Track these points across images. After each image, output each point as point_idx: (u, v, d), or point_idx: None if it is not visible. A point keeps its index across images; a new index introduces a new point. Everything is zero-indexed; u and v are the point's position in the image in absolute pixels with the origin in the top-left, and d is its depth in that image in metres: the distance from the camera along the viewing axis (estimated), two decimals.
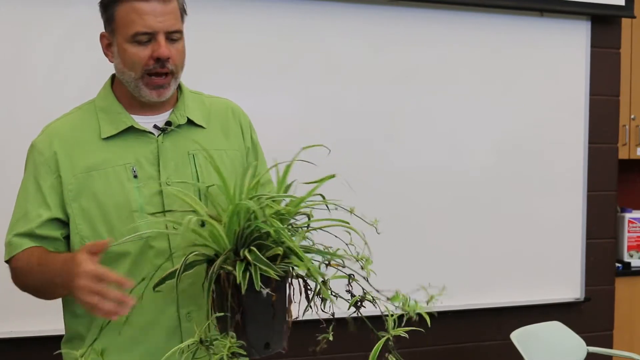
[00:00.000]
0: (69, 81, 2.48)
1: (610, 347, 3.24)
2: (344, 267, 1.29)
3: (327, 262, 1.29)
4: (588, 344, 2.85)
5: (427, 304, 1.24)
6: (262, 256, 1.21)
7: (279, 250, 1.21)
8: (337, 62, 2.84)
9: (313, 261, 1.28)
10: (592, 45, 3.19)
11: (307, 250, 1.28)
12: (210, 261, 1.27)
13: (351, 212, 1.30)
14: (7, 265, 2.19)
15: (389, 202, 2.87)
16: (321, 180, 1.33)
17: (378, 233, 1.30)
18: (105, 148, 1.49)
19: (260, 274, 1.20)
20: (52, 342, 2.36)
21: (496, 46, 3.05)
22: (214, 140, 1.57)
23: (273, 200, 1.27)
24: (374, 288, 1.29)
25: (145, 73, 1.45)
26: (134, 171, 1.48)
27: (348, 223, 1.29)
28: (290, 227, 1.28)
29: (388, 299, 1.26)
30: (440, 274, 2.97)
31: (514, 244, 3.10)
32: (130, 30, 1.43)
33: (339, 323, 1.29)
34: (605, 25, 3.20)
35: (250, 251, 1.21)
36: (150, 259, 1.45)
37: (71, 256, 1.31)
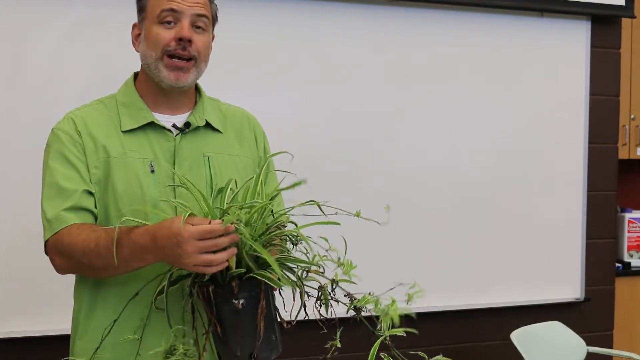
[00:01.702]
0: (69, 81, 2.48)
1: (611, 347, 3.24)
2: (323, 273, 1.29)
3: (306, 271, 1.29)
4: (588, 344, 2.85)
5: (407, 303, 1.23)
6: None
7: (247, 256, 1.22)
8: (337, 62, 2.84)
9: (294, 269, 1.28)
10: (592, 45, 3.18)
11: (283, 260, 1.28)
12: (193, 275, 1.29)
13: (358, 213, 1.30)
14: (6, 263, 2.19)
15: (389, 202, 2.86)
16: (290, 187, 1.32)
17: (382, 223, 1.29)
18: (125, 140, 1.52)
19: (234, 285, 1.22)
20: (52, 342, 2.38)
21: (496, 46, 3.05)
22: (229, 146, 1.61)
23: (241, 208, 1.27)
24: (345, 291, 1.28)
25: (165, 54, 1.49)
26: (152, 166, 1.51)
27: (339, 224, 1.29)
28: (260, 237, 1.27)
29: (355, 305, 1.25)
30: (440, 274, 2.99)
31: (514, 244, 3.10)
32: (157, 10, 1.48)
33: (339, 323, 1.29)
34: (605, 25, 3.20)
35: None
36: None
37: (166, 227, 1.27)
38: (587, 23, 3.17)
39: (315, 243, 1.29)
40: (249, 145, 1.66)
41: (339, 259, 1.27)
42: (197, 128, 1.57)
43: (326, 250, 1.28)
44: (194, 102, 1.61)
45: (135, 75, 1.62)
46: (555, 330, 2.86)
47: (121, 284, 1.46)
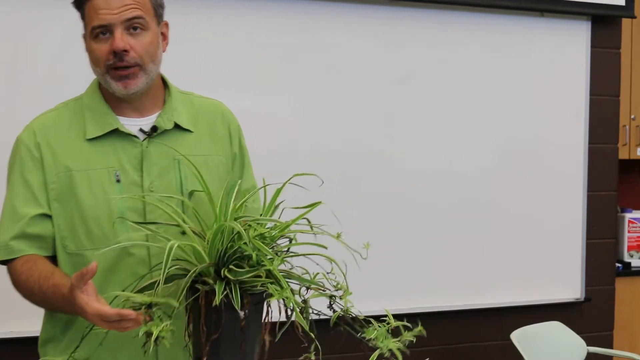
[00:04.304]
0: (69, 81, 2.46)
1: (611, 347, 3.24)
2: (324, 291, 1.28)
3: (307, 287, 1.28)
4: (588, 344, 2.85)
5: (401, 340, 1.24)
6: (243, 276, 1.19)
7: (261, 273, 1.19)
8: (337, 63, 2.84)
9: (292, 285, 1.26)
10: (592, 45, 3.18)
11: (287, 275, 1.26)
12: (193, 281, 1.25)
13: (337, 236, 1.28)
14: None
15: (390, 203, 2.87)
16: (310, 206, 1.30)
17: (364, 258, 1.27)
18: (89, 149, 1.47)
19: (240, 295, 1.19)
20: None
21: (496, 46, 3.05)
22: (200, 145, 1.53)
23: (258, 223, 1.25)
24: (352, 314, 1.27)
25: (108, 68, 1.44)
26: (117, 176, 1.46)
27: (326, 248, 1.27)
28: (272, 250, 1.26)
29: (362, 334, 1.25)
30: (441, 274, 3.00)
31: (514, 244, 3.10)
32: (89, 26, 1.44)
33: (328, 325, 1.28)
34: (605, 25, 3.20)
35: (230, 270, 1.20)
36: (128, 266, 1.43)
37: (69, 298, 1.27)
38: (587, 23, 3.17)
39: (317, 264, 1.28)
40: (221, 142, 1.58)
41: (338, 283, 1.26)
42: (166, 130, 1.50)
43: (327, 273, 1.27)
44: (162, 100, 1.54)
45: None
46: (555, 330, 2.86)
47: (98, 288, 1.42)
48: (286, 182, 1.31)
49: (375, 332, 1.24)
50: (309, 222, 1.30)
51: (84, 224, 1.44)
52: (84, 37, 1.51)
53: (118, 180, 1.45)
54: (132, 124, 1.49)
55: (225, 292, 1.18)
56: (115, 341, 1.40)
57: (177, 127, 1.52)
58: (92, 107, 1.51)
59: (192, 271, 1.21)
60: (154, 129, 1.49)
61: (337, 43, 2.84)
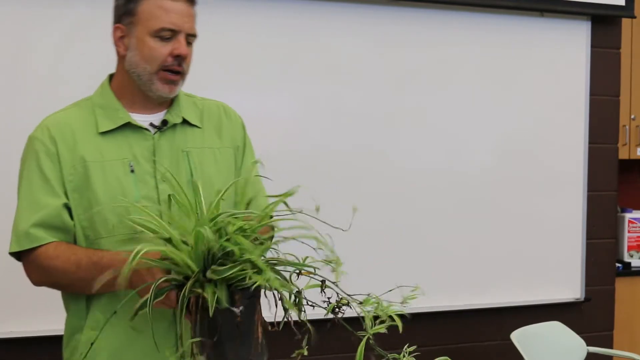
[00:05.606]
0: (69, 81, 2.47)
1: (611, 347, 3.24)
2: (315, 274, 1.28)
3: (298, 272, 1.27)
4: (588, 344, 2.85)
5: (402, 304, 1.23)
6: (226, 273, 1.18)
7: (246, 266, 1.19)
8: (337, 63, 2.84)
9: (285, 272, 1.25)
10: (592, 45, 3.19)
11: (277, 262, 1.26)
12: (179, 286, 1.23)
13: (317, 209, 1.27)
14: (6, 263, 2.19)
15: (390, 203, 2.87)
16: (284, 195, 1.29)
17: (344, 230, 1.26)
18: (102, 142, 1.53)
19: (230, 292, 1.19)
20: (52, 342, 2.37)
21: (496, 46, 3.05)
22: (208, 139, 1.62)
23: (235, 217, 1.25)
24: (344, 293, 1.26)
25: (161, 69, 1.50)
26: (131, 166, 1.52)
27: (313, 228, 1.25)
28: (255, 241, 1.25)
29: (360, 302, 1.25)
30: (440, 274, 3.00)
31: (514, 244, 3.10)
32: (155, 24, 1.49)
33: (322, 324, 1.28)
34: (605, 25, 3.20)
35: (213, 271, 1.19)
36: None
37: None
38: (587, 23, 3.17)
39: (303, 243, 1.26)
40: (228, 136, 1.65)
41: (327, 257, 1.26)
42: (175, 125, 1.58)
43: (314, 249, 1.26)
44: (169, 100, 1.61)
45: (110, 76, 1.62)
46: (555, 330, 2.86)
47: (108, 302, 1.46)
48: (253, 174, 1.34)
49: (375, 303, 1.23)
50: (286, 204, 1.28)
51: (100, 213, 1.48)
52: (121, 28, 1.54)
53: (132, 171, 1.52)
54: (143, 119, 1.57)
55: (215, 294, 1.17)
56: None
57: (185, 122, 1.60)
58: (103, 104, 1.57)
59: (185, 286, 1.20)
60: (164, 122, 1.57)
61: (337, 43, 2.84)
